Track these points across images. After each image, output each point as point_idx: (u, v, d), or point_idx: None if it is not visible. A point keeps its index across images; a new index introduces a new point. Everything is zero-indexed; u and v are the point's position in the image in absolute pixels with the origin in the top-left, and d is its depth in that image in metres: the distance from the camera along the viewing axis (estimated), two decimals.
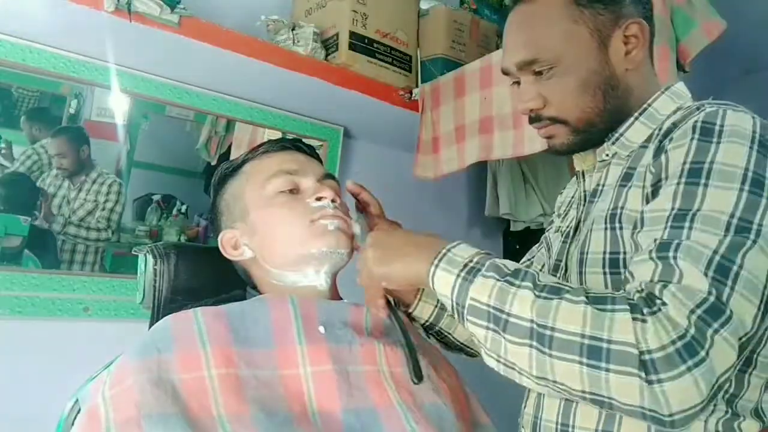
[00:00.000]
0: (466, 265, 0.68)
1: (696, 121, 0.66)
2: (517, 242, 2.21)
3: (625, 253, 0.71)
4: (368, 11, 1.56)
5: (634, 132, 0.77)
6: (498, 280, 0.64)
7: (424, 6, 1.72)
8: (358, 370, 0.73)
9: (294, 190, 0.84)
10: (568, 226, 0.87)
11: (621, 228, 0.71)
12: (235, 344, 0.69)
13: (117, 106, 1.46)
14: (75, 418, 0.67)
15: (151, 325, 0.84)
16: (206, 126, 1.64)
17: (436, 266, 0.69)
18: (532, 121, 0.81)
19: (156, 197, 1.59)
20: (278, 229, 0.82)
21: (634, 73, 0.78)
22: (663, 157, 0.67)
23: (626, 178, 0.74)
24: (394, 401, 0.71)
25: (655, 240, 0.62)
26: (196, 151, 1.64)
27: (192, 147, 1.64)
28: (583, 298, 0.59)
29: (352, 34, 1.53)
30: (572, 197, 0.93)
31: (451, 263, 0.69)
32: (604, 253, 0.73)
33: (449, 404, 0.76)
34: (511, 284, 0.63)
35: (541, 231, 2.00)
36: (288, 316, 0.74)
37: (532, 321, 0.60)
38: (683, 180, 0.63)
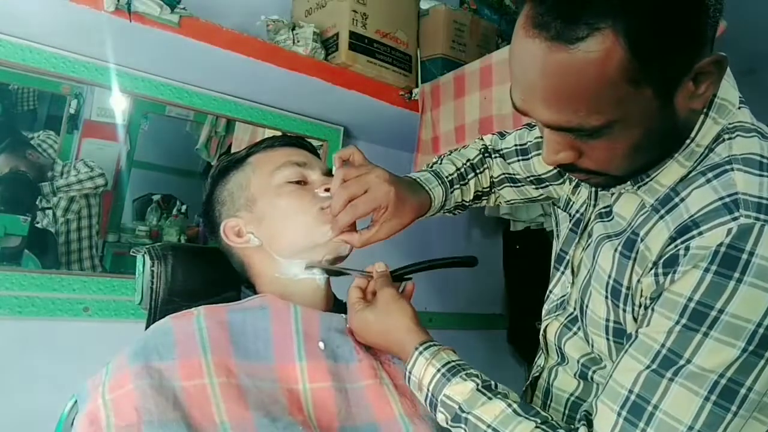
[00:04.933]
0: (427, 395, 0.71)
1: (720, 245, 0.55)
2: (517, 242, 2.21)
3: (626, 329, 0.66)
4: (368, 11, 1.56)
5: (667, 174, 0.64)
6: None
7: (424, 6, 1.72)
8: (358, 386, 0.73)
9: (302, 182, 0.84)
10: (578, 212, 0.81)
11: (624, 310, 0.66)
12: (236, 356, 0.69)
13: (117, 106, 1.46)
14: (74, 418, 0.66)
15: (147, 326, 0.83)
16: (206, 126, 1.64)
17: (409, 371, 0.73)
18: (562, 167, 0.66)
19: (156, 197, 1.59)
20: (288, 217, 0.82)
21: (698, 111, 0.62)
22: (672, 273, 0.58)
23: (628, 246, 0.65)
24: (397, 414, 0.72)
25: (633, 388, 0.58)
26: (196, 151, 1.65)
27: (192, 147, 1.64)
28: None
29: (352, 34, 1.53)
30: None
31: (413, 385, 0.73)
32: (607, 320, 0.68)
33: None
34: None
35: (541, 231, 2.02)
36: (289, 330, 0.74)
37: None
38: (683, 321, 0.56)
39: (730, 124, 0.63)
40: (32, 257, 1.34)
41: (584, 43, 0.53)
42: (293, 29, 1.48)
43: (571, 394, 0.78)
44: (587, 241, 0.77)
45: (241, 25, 1.37)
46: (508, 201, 1.01)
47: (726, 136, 0.62)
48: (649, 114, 0.57)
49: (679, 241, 0.58)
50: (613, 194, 0.72)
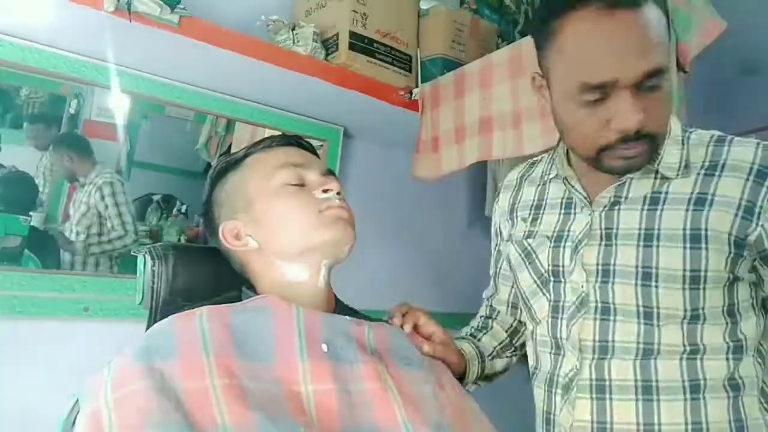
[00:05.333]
0: None
1: None
2: None
3: (706, 271, 0.80)
4: (368, 11, 1.56)
5: (669, 154, 0.84)
6: None
7: (424, 6, 1.72)
8: (362, 389, 0.73)
9: (300, 183, 0.84)
10: (554, 231, 0.93)
11: (706, 248, 0.79)
12: (238, 358, 0.69)
13: (117, 106, 1.46)
14: (75, 417, 0.66)
15: (148, 326, 0.83)
16: (206, 126, 1.64)
17: None
18: (627, 140, 0.78)
19: (156, 197, 1.59)
20: (286, 219, 0.82)
21: None
22: None
23: (699, 203, 0.81)
24: (400, 419, 0.71)
25: None
26: (196, 151, 1.65)
27: (192, 147, 1.64)
28: None
29: (352, 34, 1.53)
30: (542, 200, 0.98)
31: None
32: (684, 270, 0.80)
33: (451, 424, 0.76)
34: None
35: None
36: (292, 331, 0.74)
37: None
38: None
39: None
40: (32, 257, 1.34)
41: (646, 6, 0.76)
42: (293, 29, 1.48)
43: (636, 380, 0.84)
44: (606, 233, 0.87)
45: (241, 25, 1.37)
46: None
47: (689, 129, 0.88)
48: (672, 65, 0.82)
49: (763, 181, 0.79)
50: (622, 185, 0.87)
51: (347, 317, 0.81)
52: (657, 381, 0.82)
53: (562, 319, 0.91)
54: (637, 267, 0.83)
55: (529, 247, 0.97)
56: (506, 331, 1.11)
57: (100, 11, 1.13)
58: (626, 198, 0.87)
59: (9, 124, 1.36)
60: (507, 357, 1.09)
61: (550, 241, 0.93)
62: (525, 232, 0.99)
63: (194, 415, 0.62)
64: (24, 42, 1.27)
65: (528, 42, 1.37)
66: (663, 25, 0.77)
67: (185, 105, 1.52)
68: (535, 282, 0.96)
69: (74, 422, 0.66)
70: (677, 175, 0.84)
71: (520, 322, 1.11)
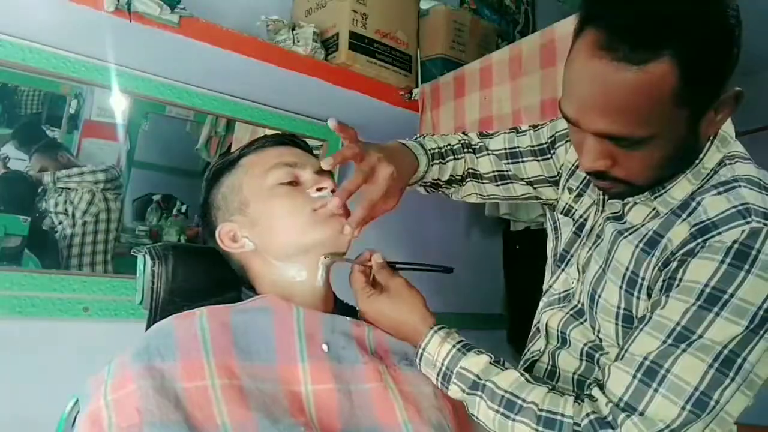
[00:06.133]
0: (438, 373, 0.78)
1: (735, 242, 0.66)
2: (517, 242, 2.21)
3: (636, 315, 0.75)
4: (368, 11, 1.56)
5: (679, 189, 0.74)
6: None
7: (424, 6, 1.72)
8: (363, 389, 0.73)
9: (294, 182, 0.84)
10: (581, 217, 0.89)
11: (638, 298, 0.75)
12: (238, 358, 0.69)
13: (117, 106, 1.46)
14: (75, 417, 0.66)
15: (147, 326, 0.83)
16: (206, 126, 1.64)
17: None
18: (595, 177, 0.74)
19: (156, 197, 1.59)
20: (281, 219, 0.81)
21: (708, 136, 0.74)
22: (690, 262, 0.68)
23: (650, 244, 0.74)
24: (400, 419, 0.71)
25: (648, 356, 0.68)
26: (196, 151, 1.65)
27: (192, 147, 1.64)
28: (533, 420, 0.70)
29: (352, 34, 1.53)
30: (585, 178, 0.91)
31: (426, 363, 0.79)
32: (618, 308, 0.77)
33: (450, 425, 0.77)
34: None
35: (541, 231, 2.02)
36: (291, 331, 0.74)
37: None
38: (699, 303, 0.66)
39: (729, 152, 0.75)
40: (32, 257, 1.34)
41: (646, 66, 0.62)
42: (293, 29, 1.48)
43: (574, 372, 0.84)
44: (595, 241, 0.84)
45: (241, 25, 1.38)
46: (488, 195, 1.06)
47: (727, 162, 0.75)
48: (681, 133, 0.67)
49: (700, 239, 0.69)
50: (626, 204, 0.80)
51: (347, 317, 0.81)
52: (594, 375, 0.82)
53: (544, 301, 0.92)
54: (592, 288, 0.81)
55: (558, 223, 0.94)
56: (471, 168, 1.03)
57: (100, 11, 1.13)
58: (625, 216, 0.81)
59: (9, 124, 1.36)
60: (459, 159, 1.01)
61: (574, 226, 0.90)
62: (567, 205, 0.93)
63: (194, 415, 0.62)
64: (24, 42, 1.27)
65: (528, 42, 1.37)
66: (673, 95, 0.63)
67: (185, 105, 1.53)
68: (551, 257, 0.95)
69: (74, 422, 0.66)
70: (669, 211, 0.75)
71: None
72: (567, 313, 0.87)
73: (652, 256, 0.73)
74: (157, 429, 0.60)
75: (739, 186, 0.70)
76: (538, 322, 0.93)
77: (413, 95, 1.64)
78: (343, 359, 0.74)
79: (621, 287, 0.76)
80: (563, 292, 0.89)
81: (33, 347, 1.27)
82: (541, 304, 0.95)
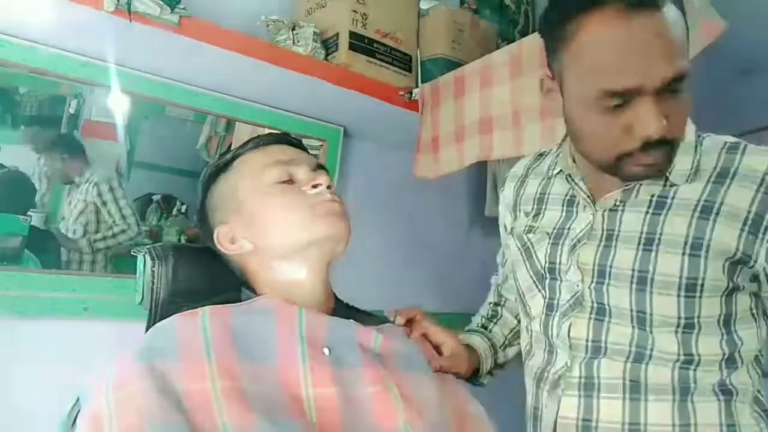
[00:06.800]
0: None
1: None
2: None
3: (704, 279, 0.78)
4: (368, 11, 1.56)
5: (680, 163, 0.83)
6: None
7: (424, 6, 1.72)
8: (364, 393, 0.72)
9: (289, 181, 0.83)
10: (559, 228, 0.92)
11: (706, 258, 0.78)
12: (239, 359, 0.69)
13: (117, 106, 1.46)
14: (76, 418, 0.66)
15: (148, 326, 0.83)
16: (206, 126, 1.64)
17: None
18: (647, 147, 0.76)
19: (156, 197, 1.59)
20: (278, 218, 0.81)
21: None
22: None
23: (705, 210, 0.80)
24: (401, 423, 0.71)
25: None
26: (196, 151, 1.65)
27: (192, 147, 1.64)
28: None
29: (352, 34, 1.53)
30: (545, 195, 0.97)
31: None
32: (681, 277, 0.79)
33: (451, 425, 0.77)
34: None
35: None
36: (294, 334, 0.74)
37: None
38: None
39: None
40: (32, 257, 1.34)
41: (666, 7, 0.73)
42: (293, 29, 1.48)
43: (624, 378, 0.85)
44: (609, 235, 0.87)
45: (241, 25, 1.38)
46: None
47: (703, 134, 0.86)
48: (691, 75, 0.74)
49: None
50: (628, 189, 0.86)
51: (352, 321, 0.81)
52: (646, 381, 0.82)
53: (554, 316, 0.90)
54: (633, 270, 0.82)
55: (528, 243, 0.97)
56: (516, 317, 1.11)
57: (101, 11, 1.13)
58: (631, 200, 0.86)
59: (9, 125, 1.36)
60: (518, 343, 1.09)
61: (550, 238, 0.93)
62: (526, 226, 0.98)
63: (195, 416, 0.62)
64: (24, 42, 1.27)
65: (528, 42, 1.37)
66: (682, 26, 0.74)
67: (185, 105, 1.53)
68: (532, 278, 0.95)
69: (74, 422, 0.66)
70: (686, 180, 0.83)
71: None
72: (589, 317, 0.86)
73: (711, 221, 0.79)
74: (158, 430, 0.60)
75: (740, 143, 0.82)
76: (550, 336, 0.91)
77: (413, 95, 1.64)
78: (344, 363, 0.74)
79: (684, 253, 0.79)
80: (572, 298, 0.88)
81: (33, 347, 1.27)
82: (556, 316, 0.92)
